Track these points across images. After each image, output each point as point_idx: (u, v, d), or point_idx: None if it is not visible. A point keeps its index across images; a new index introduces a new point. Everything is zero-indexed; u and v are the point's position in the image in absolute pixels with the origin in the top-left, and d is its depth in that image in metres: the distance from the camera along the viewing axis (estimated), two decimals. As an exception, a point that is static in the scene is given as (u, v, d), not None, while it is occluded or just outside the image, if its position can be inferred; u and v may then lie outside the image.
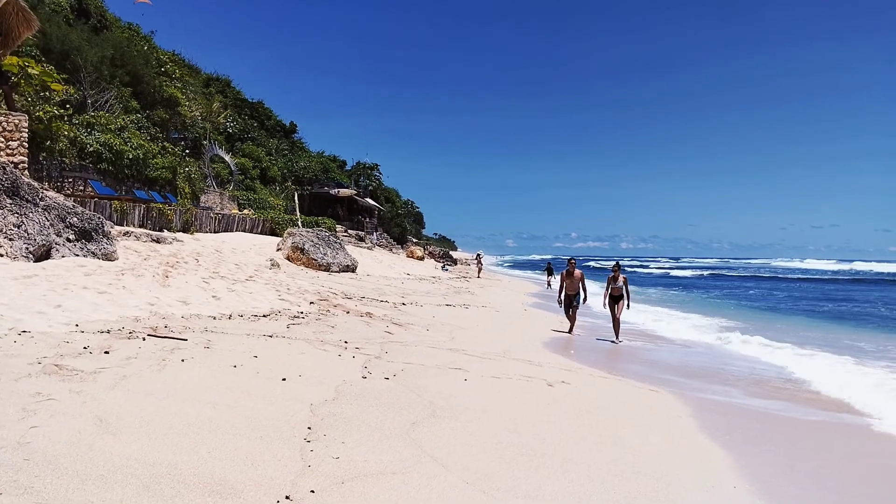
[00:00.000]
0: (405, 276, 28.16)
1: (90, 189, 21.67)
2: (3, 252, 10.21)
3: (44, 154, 20.39)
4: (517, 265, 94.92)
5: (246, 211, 34.17)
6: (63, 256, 11.43)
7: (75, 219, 12.40)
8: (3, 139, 14.64)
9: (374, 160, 72.93)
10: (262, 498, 3.52)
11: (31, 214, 11.25)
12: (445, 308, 16.49)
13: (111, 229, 15.02)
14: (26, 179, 12.08)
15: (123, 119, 27.21)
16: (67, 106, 22.90)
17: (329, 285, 17.40)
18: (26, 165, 14.78)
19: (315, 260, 21.81)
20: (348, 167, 63.54)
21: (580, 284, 14.12)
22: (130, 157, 24.62)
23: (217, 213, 28.94)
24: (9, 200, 11.03)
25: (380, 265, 30.97)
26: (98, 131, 24.30)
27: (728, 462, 5.49)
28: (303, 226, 32.95)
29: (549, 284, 34.67)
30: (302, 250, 22.03)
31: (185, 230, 24.06)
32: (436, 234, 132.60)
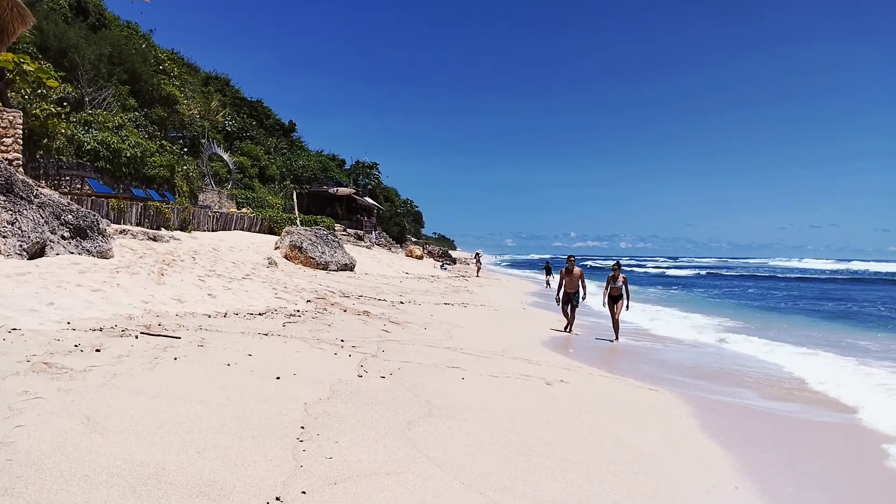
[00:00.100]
0: (404, 275, 28.07)
1: (87, 187, 21.57)
2: (-3, 249, 10.10)
3: (41, 152, 20.30)
4: (515, 265, 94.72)
5: (244, 210, 34.07)
6: (58, 254, 11.32)
7: (70, 216, 12.30)
8: (-2, 136, 14.53)
9: (374, 159, 73.00)
10: (251, 499, 3.43)
11: (25, 212, 11.15)
12: (444, 307, 16.40)
13: (107, 227, 14.92)
14: (21, 176, 11.98)
15: (121, 117, 27.11)
16: (65, 104, 22.78)
17: (327, 284, 17.30)
18: (21, 162, 14.67)
19: (313, 258, 21.71)
20: (347, 166, 63.41)
21: (579, 282, 14.02)
22: (128, 155, 24.52)
23: (215, 212, 28.83)
24: (2, 197, 10.93)
25: (378, 264, 30.88)
26: (96, 129, 24.20)
27: (729, 462, 5.40)
28: (301, 224, 32.83)
29: (547, 284, 34.60)
30: (300, 249, 21.93)
31: (182, 229, 23.96)
32: (435, 233, 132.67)
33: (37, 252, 10.93)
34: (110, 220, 19.11)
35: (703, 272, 74.87)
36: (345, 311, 12.33)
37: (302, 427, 4.70)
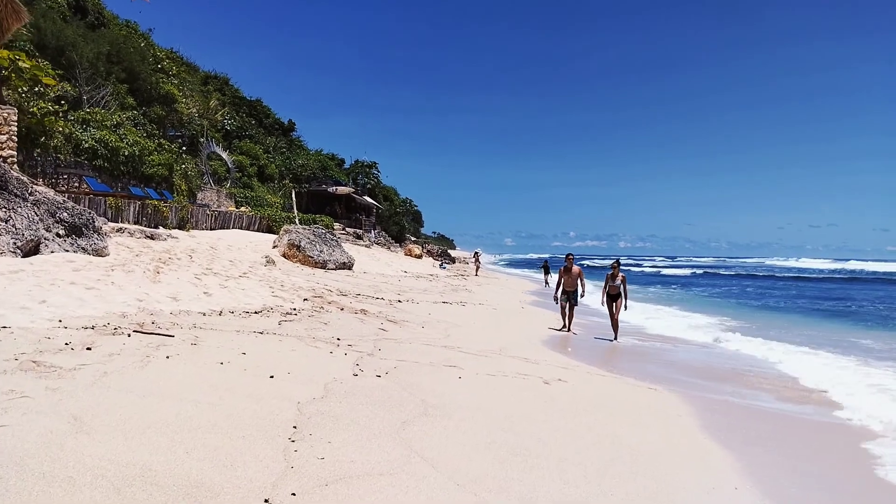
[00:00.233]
0: (402, 274, 27.98)
1: (85, 186, 21.47)
2: (-10, 247, 10.01)
3: (38, 150, 20.19)
4: (514, 264, 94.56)
5: (243, 208, 33.96)
6: (52, 252, 11.23)
7: (65, 214, 12.20)
8: (-7, 133, 14.43)
9: (373, 159, 72.64)
10: (238, 501, 3.34)
11: (19, 209, 11.05)
12: (442, 305, 16.31)
13: (104, 225, 14.84)
14: (15, 174, 11.89)
15: (119, 116, 27.00)
16: (62, 102, 22.67)
17: (324, 282, 17.21)
18: (15, 160, 14.56)
19: (311, 257, 21.62)
20: (347, 165, 63.28)
21: (578, 281, 13.93)
22: (126, 153, 24.41)
23: (214, 211, 28.72)
24: (-3, 195, 10.83)
25: (377, 263, 30.79)
26: (94, 128, 24.08)
27: (729, 462, 5.32)
28: (300, 223, 32.72)
29: (546, 283, 34.53)
30: (298, 247, 21.84)
31: (180, 227, 23.86)
32: (434, 232, 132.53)
33: (31, 250, 10.83)
34: (108, 219, 19.02)
35: (700, 271, 74.74)
36: (342, 309, 12.24)
37: (294, 427, 4.61)
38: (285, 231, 23.05)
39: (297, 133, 61.02)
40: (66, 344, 6.09)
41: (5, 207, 10.77)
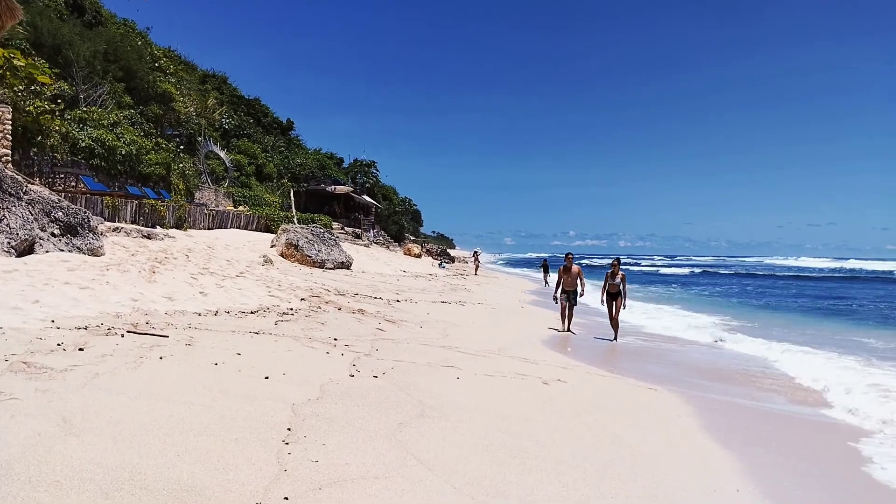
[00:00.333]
0: (401, 274, 27.89)
1: (82, 185, 21.36)
2: (-16, 247, 9.92)
3: (35, 149, 20.08)
4: (513, 263, 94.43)
5: (241, 208, 33.86)
6: (47, 251, 11.14)
7: (60, 213, 12.11)
8: (-12, 132, 14.32)
9: (372, 158, 72.68)
10: (230, 506, 3.26)
11: (13, 208, 10.96)
12: (441, 305, 16.23)
13: (99, 225, 14.74)
14: (9, 172, 11.79)
15: (116, 114, 26.88)
16: (59, 101, 22.56)
17: (322, 282, 17.12)
18: (9, 159, 14.45)
19: (309, 257, 21.53)
20: (345, 165, 63.15)
21: (578, 280, 13.85)
22: (123, 152, 24.30)
23: (211, 210, 28.61)
24: (-9, 194, 10.74)
25: (376, 262, 30.70)
26: (90, 127, 23.96)
27: (730, 463, 5.25)
28: (298, 223, 32.61)
29: (546, 282, 34.45)
30: (296, 247, 21.75)
31: (178, 227, 23.75)
32: (434, 232, 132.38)
33: (25, 249, 10.74)
34: (104, 218, 18.92)
35: (700, 270, 74.63)
36: (339, 309, 12.16)
37: (289, 429, 4.53)
38: (283, 230, 22.95)
39: (296, 132, 60.97)
40: (58, 345, 6.00)
41: (-1, 206, 10.68)
